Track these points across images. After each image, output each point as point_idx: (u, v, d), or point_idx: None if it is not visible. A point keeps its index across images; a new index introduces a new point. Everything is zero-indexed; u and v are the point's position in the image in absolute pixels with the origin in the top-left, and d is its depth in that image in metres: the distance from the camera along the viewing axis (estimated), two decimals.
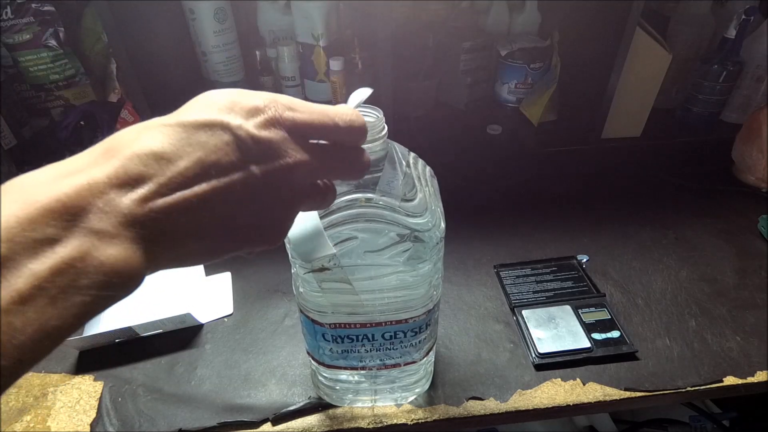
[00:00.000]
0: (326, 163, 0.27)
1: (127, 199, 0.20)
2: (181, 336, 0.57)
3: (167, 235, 0.21)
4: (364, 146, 0.33)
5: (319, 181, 0.29)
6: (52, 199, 0.19)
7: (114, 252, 0.19)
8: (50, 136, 0.89)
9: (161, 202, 0.21)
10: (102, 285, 0.19)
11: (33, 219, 0.18)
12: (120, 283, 0.20)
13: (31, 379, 0.53)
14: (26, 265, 0.18)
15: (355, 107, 0.30)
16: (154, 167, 0.21)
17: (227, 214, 0.23)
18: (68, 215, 0.19)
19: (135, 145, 0.22)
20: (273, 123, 0.24)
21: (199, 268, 0.67)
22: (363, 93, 0.32)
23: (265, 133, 0.24)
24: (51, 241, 0.18)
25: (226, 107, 0.24)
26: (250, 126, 0.23)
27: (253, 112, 0.24)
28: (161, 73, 0.81)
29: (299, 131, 0.25)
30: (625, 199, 0.79)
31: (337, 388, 0.48)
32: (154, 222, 0.21)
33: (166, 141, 0.22)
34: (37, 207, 0.18)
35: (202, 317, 0.59)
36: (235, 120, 0.23)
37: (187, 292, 0.63)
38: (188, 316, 0.57)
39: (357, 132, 0.28)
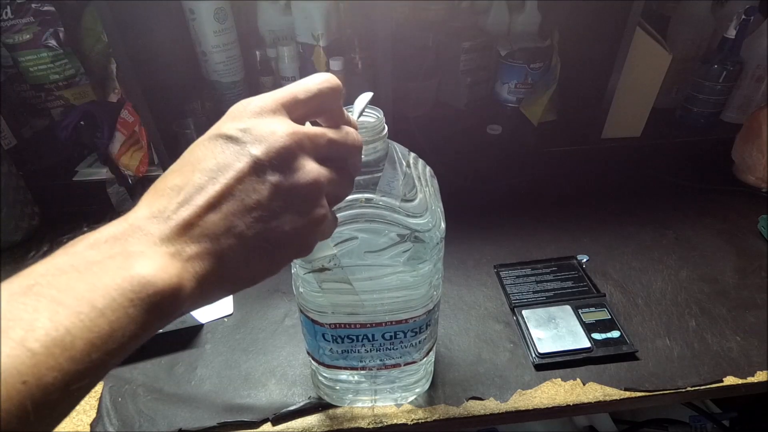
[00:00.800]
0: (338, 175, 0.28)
1: (157, 221, 0.23)
2: (181, 336, 0.57)
3: (202, 246, 0.23)
4: (365, 146, 0.33)
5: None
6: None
7: (147, 264, 0.21)
8: (50, 136, 0.89)
9: (185, 212, 0.23)
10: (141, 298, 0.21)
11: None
12: (158, 295, 0.21)
13: None
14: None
15: (359, 115, 0.33)
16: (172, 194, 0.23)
17: (258, 225, 0.24)
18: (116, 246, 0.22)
19: (159, 183, 0.24)
20: (297, 148, 0.26)
21: None
22: (365, 98, 0.34)
23: (283, 153, 0.25)
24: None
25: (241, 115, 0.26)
26: (265, 147, 0.25)
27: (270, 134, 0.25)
28: (161, 73, 0.81)
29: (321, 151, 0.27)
30: (625, 199, 0.79)
31: (337, 388, 0.48)
32: (184, 232, 0.23)
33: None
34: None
35: (202, 317, 0.59)
36: (244, 135, 0.25)
37: None
38: (188, 316, 0.57)
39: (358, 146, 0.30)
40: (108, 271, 0.20)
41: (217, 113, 0.90)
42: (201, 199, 0.23)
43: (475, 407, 0.50)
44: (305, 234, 0.26)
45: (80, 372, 0.19)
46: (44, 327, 0.18)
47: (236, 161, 0.23)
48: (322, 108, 0.29)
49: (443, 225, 0.37)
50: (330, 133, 0.28)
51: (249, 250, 0.24)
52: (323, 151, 0.27)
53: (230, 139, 0.24)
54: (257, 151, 0.24)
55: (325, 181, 0.26)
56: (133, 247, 0.22)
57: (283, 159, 0.24)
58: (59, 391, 0.18)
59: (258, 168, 0.24)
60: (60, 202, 0.80)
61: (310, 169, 0.25)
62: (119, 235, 0.22)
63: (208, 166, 0.24)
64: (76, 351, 0.19)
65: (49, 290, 0.19)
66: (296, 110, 0.27)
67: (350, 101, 0.35)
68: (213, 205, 0.23)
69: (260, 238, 0.24)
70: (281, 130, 0.25)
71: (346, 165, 0.29)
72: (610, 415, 0.94)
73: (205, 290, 0.23)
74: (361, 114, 0.34)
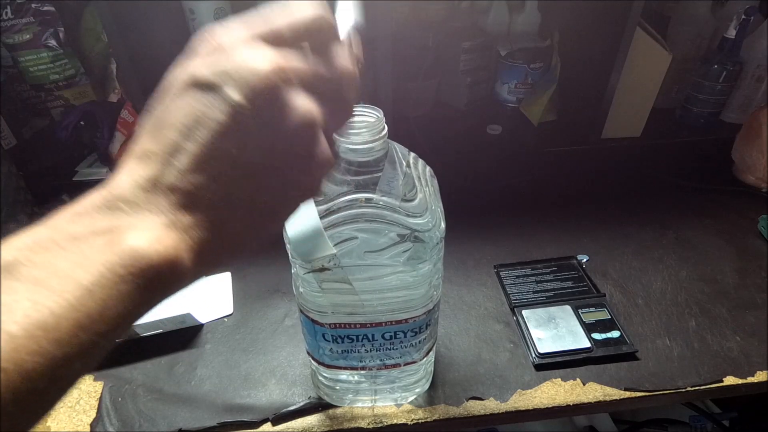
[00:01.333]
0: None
1: (143, 190, 0.20)
2: (181, 336, 0.57)
3: (197, 213, 0.21)
4: (364, 147, 0.33)
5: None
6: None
7: (140, 236, 0.19)
8: (50, 136, 0.89)
9: (171, 178, 0.20)
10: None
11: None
12: (153, 270, 0.20)
13: None
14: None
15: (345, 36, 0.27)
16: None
17: (252, 182, 0.21)
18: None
19: (136, 147, 0.22)
20: (285, 80, 0.22)
21: None
22: (346, 10, 0.28)
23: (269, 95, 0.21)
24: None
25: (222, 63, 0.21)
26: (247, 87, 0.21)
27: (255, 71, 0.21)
28: (161, 73, 0.81)
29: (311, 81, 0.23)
30: (625, 199, 0.79)
31: (337, 388, 0.48)
32: (175, 200, 0.20)
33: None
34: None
35: (202, 317, 0.59)
36: (227, 80, 0.21)
37: (187, 292, 0.63)
38: (188, 316, 0.56)
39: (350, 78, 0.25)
40: (94, 245, 0.19)
41: None
42: (185, 162, 0.20)
43: (475, 407, 0.50)
44: (306, 181, 0.23)
45: (68, 356, 0.17)
46: (23, 308, 0.17)
47: (215, 112, 0.20)
48: (310, 47, 0.23)
49: (443, 225, 0.37)
50: (321, 67, 0.23)
51: (248, 211, 0.22)
52: (314, 86, 0.22)
53: (204, 85, 0.20)
54: (237, 96, 0.20)
55: (320, 118, 0.22)
56: (121, 219, 0.20)
57: (268, 101, 0.20)
58: (44, 377, 0.17)
59: (241, 117, 0.20)
60: (60, 202, 0.80)
61: (302, 107, 0.21)
62: (103, 206, 0.20)
63: (186, 122, 0.20)
64: (62, 333, 0.17)
65: (29, 269, 0.18)
66: (277, 46, 0.22)
67: None
68: (200, 167, 0.20)
69: (258, 196, 0.22)
70: (262, 66, 0.20)
71: (341, 96, 0.24)
72: (610, 415, 0.94)
73: (206, 261, 0.21)
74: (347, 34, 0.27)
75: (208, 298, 0.62)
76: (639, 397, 0.51)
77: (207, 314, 0.60)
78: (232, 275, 0.65)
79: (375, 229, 0.35)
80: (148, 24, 0.78)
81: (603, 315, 0.58)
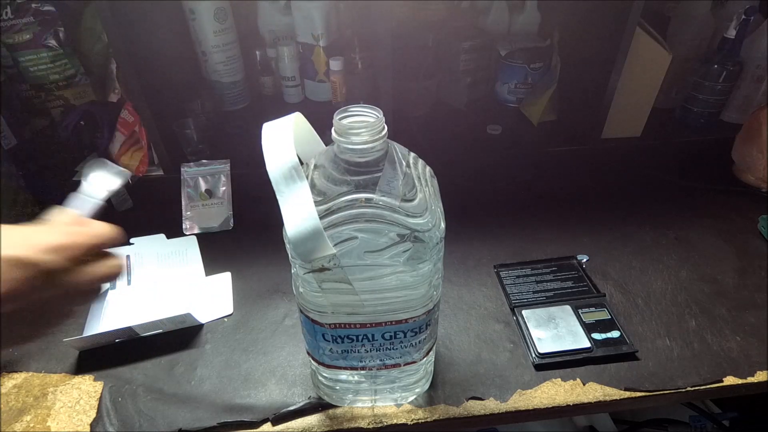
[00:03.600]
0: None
1: None
2: (181, 336, 0.57)
3: None
4: (364, 147, 0.33)
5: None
6: None
7: None
8: (50, 136, 0.89)
9: None
10: None
11: None
12: None
13: (31, 379, 0.53)
14: None
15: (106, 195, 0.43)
16: None
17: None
18: None
19: None
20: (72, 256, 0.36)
21: (199, 268, 0.67)
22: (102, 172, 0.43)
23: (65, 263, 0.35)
24: None
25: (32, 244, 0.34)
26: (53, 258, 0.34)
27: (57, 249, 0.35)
28: (161, 73, 0.81)
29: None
30: (625, 199, 0.79)
31: (337, 388, 0.48)
32: None
33: None
34: None
35: (202, 317, 0.59)
36: (40, 257, 0.34)
37: (187, 292, 0.63)
38: (188, 316, 0.57)
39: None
40: None
41: (217, 113, 0.91)
42: None
43: (475, 407, 0.50)
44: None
45: None
46: None
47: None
48: None
49: (443, 225, 0.37)
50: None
51: None
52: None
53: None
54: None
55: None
56: None
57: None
58: None
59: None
60: (60, 202, 0.80)
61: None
62: None
63: None
64: None
65: None
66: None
67: (351, 101, 0.35)
68: None
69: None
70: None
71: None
72: (610, 415, 0.94)
73: None
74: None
75: (208, 298, 0.62)
76: (639, 397, 0.51)
77: (207, 314, 0.60)
78: (232, 275, 0.65)
79: (375, 229, 0.35)
80: (148, 24, 0.78)
81: (603, 315, 0.58)
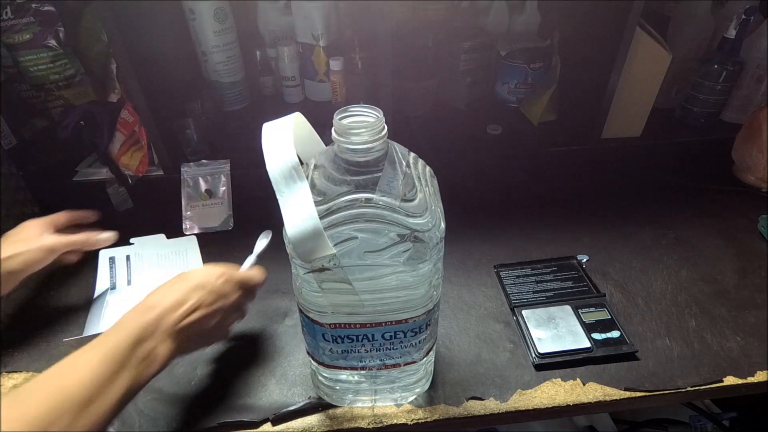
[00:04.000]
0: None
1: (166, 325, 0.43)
2: None
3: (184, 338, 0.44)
4: (364, 147, 0.33)
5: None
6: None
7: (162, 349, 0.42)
8: (50, 136, 0.89)
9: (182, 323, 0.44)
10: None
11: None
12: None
13: (31, 379, 0.53)
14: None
15: (257, 254, 0.56)
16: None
17: (209, 325, 0.46)
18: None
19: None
20: (231, 283, 0.49)
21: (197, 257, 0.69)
22: (264, 240, 0.57)
23: (226, 287, 0.48)
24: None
25: (206, 274, 0.48)
26: (220, 283, 0.48)
27: (220, 276, 0.48)
28: (161, 73, 0.81)
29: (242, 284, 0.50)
30: (625, 199, 0.79)
31: (337, 388, 0.48)
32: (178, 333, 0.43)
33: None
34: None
35: None
36: (212, 282, 0.47)
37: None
38: None
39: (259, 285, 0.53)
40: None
41: (217, 113, 0.91)
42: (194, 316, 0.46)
43: (475, 407, 0.50)
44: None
45: None
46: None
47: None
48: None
49: (443, 225, 0.37)
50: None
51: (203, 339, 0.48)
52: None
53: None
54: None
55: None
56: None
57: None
58: None
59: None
60: (60, 202, 0.80)
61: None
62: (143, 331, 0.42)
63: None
64: None
65: None
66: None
67: (351, 101, 0.35)
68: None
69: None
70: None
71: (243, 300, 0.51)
72: (610, 415, 0.94)
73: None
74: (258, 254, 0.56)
75: None
76: (639, 397, 0.51)
77: None
78: None
79: (375, 229, 0.35)
80: (148, 24, 0.78)
81: (603, 315, 0.58)
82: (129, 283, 0.65)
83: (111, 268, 0.67)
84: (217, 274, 0.48)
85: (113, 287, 0.64)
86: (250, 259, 0.55)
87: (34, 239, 0.55)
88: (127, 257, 0.68)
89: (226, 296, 0.48)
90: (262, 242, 0.57)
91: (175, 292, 0.45)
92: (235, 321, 0.50)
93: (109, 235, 0.61)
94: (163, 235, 0.71)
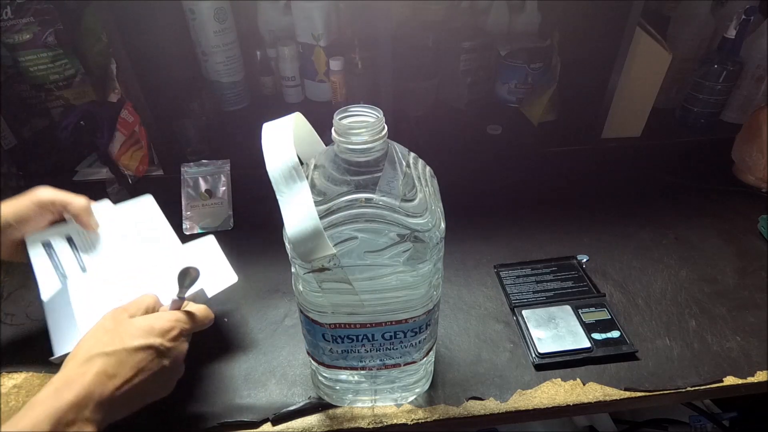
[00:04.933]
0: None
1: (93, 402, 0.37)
2: None
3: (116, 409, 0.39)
4: (364, 147, 0.33)
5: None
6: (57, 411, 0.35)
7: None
8: (50, 136, 0.89)
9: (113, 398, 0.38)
10: None
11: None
12: None
13: (31, 379, 0.53)
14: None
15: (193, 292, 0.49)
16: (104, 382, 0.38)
17: (150, 388, 0.42)
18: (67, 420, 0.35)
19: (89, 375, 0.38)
20: (178, 336, 0.44)
21: (169, 235, 0.58)
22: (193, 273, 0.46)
23: (173, 343, 0.43)
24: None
25: (148, 332, 0.42)
26: (165, 341, 0.42)
27: (165, 332, 0.43)
28: (161, 73, 0.81)
29: (188, 333, 0.46)
30: (625, 199, 0.79)
31: (337, 388, 0.48)
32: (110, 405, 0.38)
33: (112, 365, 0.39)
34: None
35: (208, 291, 0.52)
36: (156, 341, 0.41)
37: (168, 268, 0.50)
38: (200, 293, 0.50)
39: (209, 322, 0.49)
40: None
41: (217, 113, 0.90)
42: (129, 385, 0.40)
43: (475, 407, 0.50)
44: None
45: None
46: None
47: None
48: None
49: (443, 225, 0.37)
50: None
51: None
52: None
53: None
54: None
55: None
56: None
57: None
58: None
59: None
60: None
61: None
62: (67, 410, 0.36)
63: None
64: None
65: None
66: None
67: (351, 101, 0.35)
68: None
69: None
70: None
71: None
72: (610, 415, 0.94)
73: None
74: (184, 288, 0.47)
75: (204, 271, 0.49)
76: (639, 397, 0.51)
77: (208, 287, 0.52)
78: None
79: (375, 229, 0.35)
80: (148, 24, 0.78)
81: (603, 315, 0.58)
82: (83, 270, 0.53)
83: (50, 256, 0.53)
84: (163, 328, 0.42)
85: (64, 277, 0.52)
86: (183, 296, 0.46)
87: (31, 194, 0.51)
88: (69, 239, 0.54)
89: (173, 353, 0.42)
90: (188, 276, 0.46)
91: (107, 360, 0.38)
92: (181, 373, 0.45)
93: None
94: (107, 201, 0.58)
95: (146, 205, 0.58)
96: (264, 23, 0.97)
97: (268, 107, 1.00)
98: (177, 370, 0.44)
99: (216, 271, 0.55)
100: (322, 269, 0.36)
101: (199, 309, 0.47)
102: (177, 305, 0.46)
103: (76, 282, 0.51)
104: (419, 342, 0.43)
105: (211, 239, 0.57)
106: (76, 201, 0.53)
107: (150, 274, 0.52)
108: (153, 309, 0.46)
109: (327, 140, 0.38)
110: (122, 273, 0.53)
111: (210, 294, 0.52)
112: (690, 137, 0.93)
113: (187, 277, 0.46)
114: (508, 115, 1.00)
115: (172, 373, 0.43)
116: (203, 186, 0.75)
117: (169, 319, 0.43)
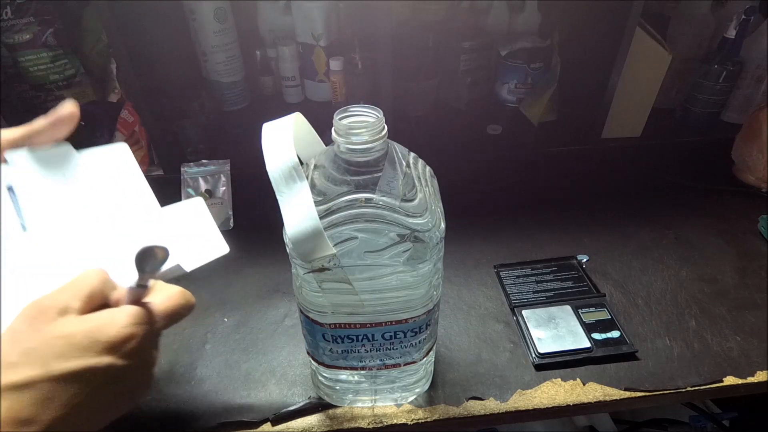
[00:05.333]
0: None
1: None
2: (180, 336, 0.57)
3: None
4: (364, 147, 0.34)
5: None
6: None
7: None
8: None
9: None
10: None
11: None
12: None
13: None
14: None
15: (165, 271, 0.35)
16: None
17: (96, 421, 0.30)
18: None
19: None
20: (138, 347, 0.30)
21: (146, 192, 0.45)
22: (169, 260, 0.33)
23: (130, 360, 0.29)
24: None
25: (87, 346, 0.27)
26: (118, 358, 0.28)
27: (118, 346, 0.28)
28: (161, 73, 0.81)
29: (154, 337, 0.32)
30: (625, 199, 0.79)
31: (337, 388, 0.48)
32: None
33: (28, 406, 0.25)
34: None
35: (188, 263, 0.39)
36: (102, 360, 0.27)
37: (143, 233, 0.42)
38: (176, 269, 0.38)
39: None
40: None
41: (217, 113, 0.90)
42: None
43: (475, 407, 0.50)
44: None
45: None
46: None
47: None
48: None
49: (443, 225, 0.37)
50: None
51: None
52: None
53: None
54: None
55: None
56: None
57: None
58: None
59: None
60: None
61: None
62: None
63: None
64: None
65: None
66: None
67: (351, 101, 0.35)
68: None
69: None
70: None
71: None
72: (610, 415, 0.94)
73: None
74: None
75: (182, 237, 0.43)
76: (639, 397, 0.51)
77: (192, 258, 0.41)
78: (231, 275, 0.65)
79: (375, 229, 0.35)
80: (148, 24, 0.78)
81: (603, 315, 0.58)
82: (24, 228, 0.38)
83: None
84: (114, 338, 0.28)
85: None
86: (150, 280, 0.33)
87: None
88: (9, 189, 0.38)
89: (132, 373, 0.30)
90: (152, 258, 0.31)
91: (18, 398, 0.25)
92: (148, 388, 0.33)
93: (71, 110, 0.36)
94: (68, 145, 0.40)
95: (119, 154, 0.43)
96: (264, 23, 0.97)
97: (268, 107, 1.00)
98: (141, 391, 0.32)
99: (202, 240, 0.44)
100: (322, 269, 0.36)
101: (171, 296, 0.33)
102: (136, 296, 0.32)
103: (11, 243, 0.36)
104: (419, 342, 0.43)
105: (199, 202, 0.46)
106: (5, 133, 0.36)
107: (113, 243, 0.39)
108: (100, 298, 0.31)
109: (327, 140, 0.38)
110: (77, 236, 0.38)
111: (193, 266, 0.40)
112: (690, 137, 0.93)
113: (150, 259, 0.31)
114: (508, 115, 1.00)
115: (132, 397, 0.32)
116: (203, 186, 0.75)
117: (123, 322, 0.29)
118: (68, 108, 0.34)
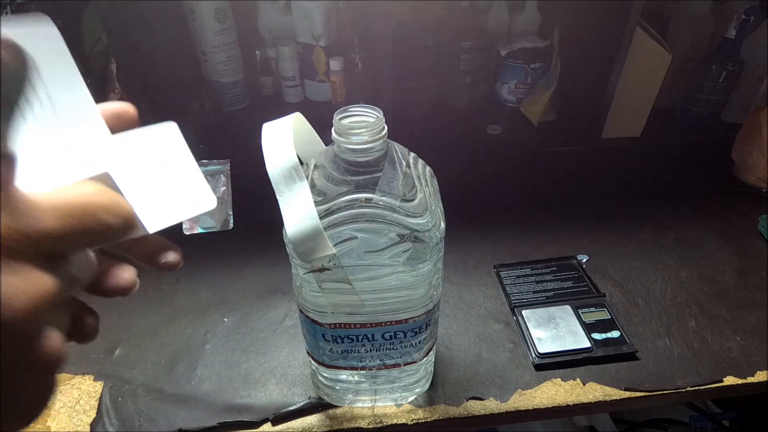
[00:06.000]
0: None
1: None
2: (180, 336, 0.57)
3: None
4: (364, 147, 0.33)
5: None
6: None
7: None
8: None
9: None
10: None
11: None
12: None
13: None
14: None
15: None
16: None
17: None
18: None
19: None
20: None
21: (94, 117, 0.28)
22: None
23: None
24: None
25: None
26: None
27: None
28: (161, 73, 0.81)
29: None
30: (625, 199, 0.79)
31: (337, 388, 0.48)
32: None
33: None
34: None
35: (178, 215, 0.29)
36: None
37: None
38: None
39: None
40: None
41: (217, 113, 0.90)
42: None
43: (475, 407, 0.50)
44: None
45: None
46: None
47: None
48: None
49: (443, 225, 0.37)
50: None
51: None
52: None
53: None
54: None
55: None
56: None
57: None
58: None
59: None
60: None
61: None
62: None
63: None
64: None
65: None
66: None
67: (351, 101, 0.35)
68: None
69: None
70: None
71: None
72: (610, 415, 0.94)
73: None
74: None
75: (174, 191, 0.32)
76: (639, 397, 0.51)
77: (183, 211, 0.31)
78: (232, 275, 0.65)
79: (375, 229, 0.35)
80: (148, 24, 0.78)
81: (603, 315, 0.58)
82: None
83: None
84: None
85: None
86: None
87: None
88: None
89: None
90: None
91: None
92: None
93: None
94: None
95: (168, 132, 0.38)
96: (264, 23, 0.97)
97: (268, 107, 1.00)
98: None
99: (190, 193, 0.33)
100: (322, 269, 0.36)
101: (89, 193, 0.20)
102: None
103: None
104: (419, 342, 0.43)
105: (172, 128, 0.33)
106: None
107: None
108: None
109: (327, 140, 0.38)
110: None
111: (179, 219, 0.29)
112: (690, 137, 0.93)
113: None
114: (508, 115, 1.00)
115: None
116: None
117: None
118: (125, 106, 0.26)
